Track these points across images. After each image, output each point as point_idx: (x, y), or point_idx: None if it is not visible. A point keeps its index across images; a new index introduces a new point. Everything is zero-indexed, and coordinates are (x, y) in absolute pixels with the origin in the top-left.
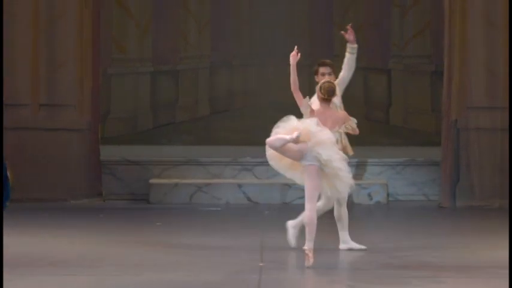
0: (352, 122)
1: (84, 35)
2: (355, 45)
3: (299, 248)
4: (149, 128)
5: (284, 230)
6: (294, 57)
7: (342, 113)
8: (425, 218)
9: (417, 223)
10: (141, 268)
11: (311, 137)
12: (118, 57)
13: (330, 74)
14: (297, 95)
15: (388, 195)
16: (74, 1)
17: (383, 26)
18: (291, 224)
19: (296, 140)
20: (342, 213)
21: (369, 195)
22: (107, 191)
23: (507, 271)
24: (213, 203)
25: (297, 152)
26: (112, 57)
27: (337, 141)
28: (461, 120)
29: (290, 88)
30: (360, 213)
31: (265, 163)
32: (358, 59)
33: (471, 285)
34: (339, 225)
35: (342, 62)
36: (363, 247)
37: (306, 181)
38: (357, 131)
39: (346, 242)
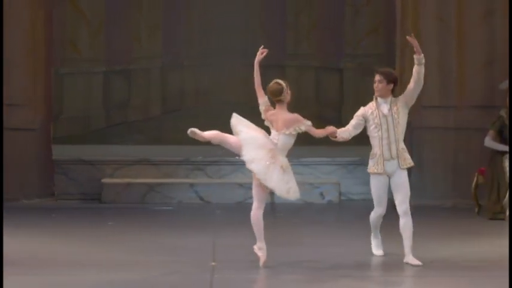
0: (303, 125)
1: (36, 35)
2: (421, 56)
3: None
4: (102, 127)
5: (236, 229)
6: (258, 56)
7: (292, 115)
8: None
9: (369, 222)
10: (93, 267)
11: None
12: (71, 57)
13: (380, 82)
14: (259, 92)
15: (340, 194)
16: (27, 1)
17: (336, 25)
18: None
19: None
20: (402, 225)
21: (321, 194)
22: (59, 190)
23: (460, 269)
24: (165, 203)
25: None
26: (65, 57)
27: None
28: (414, 119)
29: (241, 88)
30: (312, 212)
31: (217, 162)
32: (311, 58)
33: (424, 283)
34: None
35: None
36: (419, 263)
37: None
38: (315, 133)
39: (406, 254)
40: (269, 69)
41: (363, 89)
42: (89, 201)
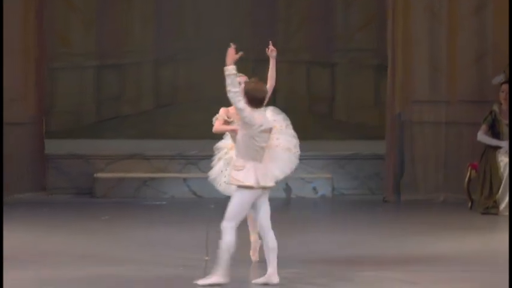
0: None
1: (28, 28)
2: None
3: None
4: (94, 121)
5: None
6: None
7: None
8: (369, 212)
9: (361, 217)
10: (85, 262)
11: None
12: (62, 51)
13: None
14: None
15: (333, 189)
16: None
17: (327, 19)
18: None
19: None
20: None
21: (314, 189)
22: (51, 185)
23: (450, 264)
24: (158, 197)
25: None
26: (56, 51)
27: None
28: (405, 113)
29: None
30: (304, 207)
31: (211, 157)
32: (301, 53)
33: (415, 278)
34: None
35: (285, 56)
36: None
37: None
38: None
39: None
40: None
41: (354, 84)
42: (81, 195)
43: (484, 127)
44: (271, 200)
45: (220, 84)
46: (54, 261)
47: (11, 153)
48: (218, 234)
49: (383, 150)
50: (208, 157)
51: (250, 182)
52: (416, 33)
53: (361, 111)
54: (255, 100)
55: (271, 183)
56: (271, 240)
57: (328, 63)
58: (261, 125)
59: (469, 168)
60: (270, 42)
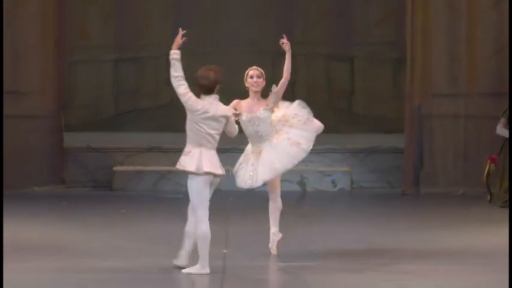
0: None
1: (47, 22)
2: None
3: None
4: (112, 115)
5: (248, 216)
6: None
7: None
8: (388, 205)
9: (380, 210)
10: (104, 255)
11: None
12: (81, 44)
13: None
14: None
15: (351, 182)
16: None
17: (346, 13)
18: None
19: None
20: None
21: (333, 182)
22: (69, 178)
23: (469, 257)
24: (176, 190)
25: None
26: (75, 44)
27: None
28: (425, 107)
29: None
30: (323, 200)
31: (229, 150)
32: (320, 46)
33: (434, 271)
34: None
35: (304, 49)
36: None
37: None
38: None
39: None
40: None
41: (373, 77)
42: (99, 188)
43: (503, 120)
44: (287, 193)
45: (237, 77)
46: (72, 254)
47: (30, 147)
48: (237, 226)
49: (402, 144)
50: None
51: (191, 167)
52: (436, 26)
53: (379, 105)
54: (201, 87)
55: (219, 171)
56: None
57: (347, 57)
58: (206, 112)
59: (488, 162)
60: (284, 36)
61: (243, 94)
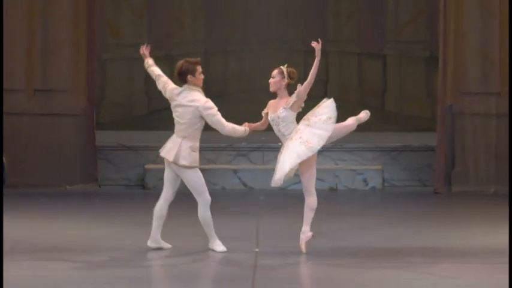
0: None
1: (79, 19)
2: None
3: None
4: (144, 113)
5: (280, 215)
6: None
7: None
8: (420, 204)
9: (412, 209)
10: (137, 254)
11: None
12: (113, 42)
13: None
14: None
15: (383, 181)
16: None
17: (377, 11)
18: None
19: None
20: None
21: (364, 180)
22: (102, 176)
23: (501, 256)
24: (208, 189)
25: None
26: (107, 42)
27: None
28: (457, 105)
29: None
30: (355, 198)
31: (261, 148)
32: (352, 44)
33: (466, 270)
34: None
35: (336, 47)
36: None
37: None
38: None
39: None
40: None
41: (406, 76)
42: (132, 187)
43: None
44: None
45: (270, 75)
46: (105, 252)
47: (62, 145)
48: (268, 225)
49: (434, 142)
50: (258, 149)
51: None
52: (468, 24)
53: (412, 103)
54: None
55: (167, 157)
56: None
57: (379, 55)
58: (172, 100)
59: None
60: (319, 39)
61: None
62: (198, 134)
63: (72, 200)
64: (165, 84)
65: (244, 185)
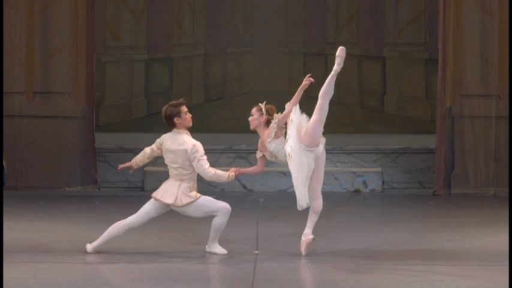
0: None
1: (78, 22)
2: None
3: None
4: (143, 115)
5: (279, 217)
6: (304, 83)
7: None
8: (420, 206)
9: (412, 211)
10: (136, 255)
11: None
12: (112, 44)
13: None
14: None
15: (383, 183)
16: None
17: (377, 13)
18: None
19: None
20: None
21: (364, 183)
22: (101, 178)
23: (501, 258)
24: (208, 191)
25: None
26: (106, 44)
27: None
28: (456, 108)
29: (281, 76)
30: (355, 200)
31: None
32: (352, 47)
33: (466, 272)
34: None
35: (335, 49)
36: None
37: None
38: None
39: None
40: (311, 58)
41: (405, 78)
42: (131, 189)
43: None
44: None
45: (270, 78)
46: (104, 254)
47: (61, 147)
48: (267, 227)
49: (433, 144)
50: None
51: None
52: (468, 27)
53: (411, 105)
54: None
55: (164, 199)
56: None
57: (379, 57)
58: (162, 148)
59: None
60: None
61: (278, 94)
62: (195, 175)
63: (72, 202)
64: (152, 148)
65: (244, 187)
